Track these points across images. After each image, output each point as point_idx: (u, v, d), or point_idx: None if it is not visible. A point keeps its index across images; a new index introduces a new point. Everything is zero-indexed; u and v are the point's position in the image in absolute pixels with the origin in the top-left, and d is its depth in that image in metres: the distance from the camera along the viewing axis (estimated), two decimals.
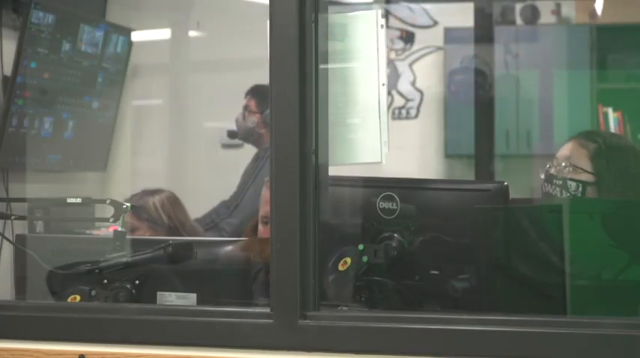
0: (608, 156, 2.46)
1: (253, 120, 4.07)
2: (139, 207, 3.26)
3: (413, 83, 5.50)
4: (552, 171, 2.45)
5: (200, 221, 3.87)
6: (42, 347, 1.93)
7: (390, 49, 5.42)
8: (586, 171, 2.42)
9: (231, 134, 4.39)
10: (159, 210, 3.33)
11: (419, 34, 5.50)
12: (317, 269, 1.87)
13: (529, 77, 5.26)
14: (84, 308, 2.07)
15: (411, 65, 5.50)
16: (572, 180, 2.40)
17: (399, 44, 5.49)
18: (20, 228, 3.18)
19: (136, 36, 4.47)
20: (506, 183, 2.25)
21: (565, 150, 2.51)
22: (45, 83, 3.90)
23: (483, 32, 5.12)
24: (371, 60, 2.04)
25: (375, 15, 2.05)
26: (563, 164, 2.44)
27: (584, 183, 2.39)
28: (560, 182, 2.40)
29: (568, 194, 2.38)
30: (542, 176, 2.48)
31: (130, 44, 4.43)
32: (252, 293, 2.41)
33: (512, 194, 2.30)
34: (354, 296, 2.15)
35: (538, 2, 5.30)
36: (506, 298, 2.13)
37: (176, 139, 4.94)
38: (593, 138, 2.56)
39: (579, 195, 2.38)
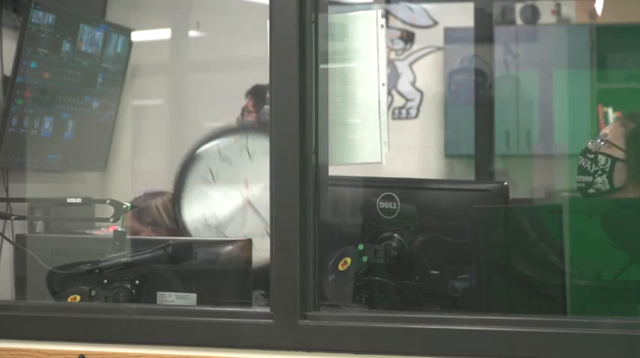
0: None
1: (249, 120, 4.06)
2: (140, 208, 3.26)
3: (413, 83, 5.50)
4: (590, 145, 2.48)
5: None
6: (42, 347, 1.93)
7: (390, 49, 5.41)
8: (618, 148, 2.44)
9: None
10: (161, 213, 3.33)
11: (419, 34, 5.50)
12: (317, 269, 1.87)
13: (529, 77, 5.26)
14: (84, 308, 2.07)
15: (411, 65, 5.50)
16: (603, 154, 2.43)
17: (399, 44, 5.49)
18: (20, 228, 3.18)
19: (136, 36, 4.47)
20: (506, 183, 2.25)
21: (607, 128, 2.57)
22: (45, 83, 3.90)
23: (483, 32, 5.13)
24: (371, 60, 2.04)
25: (375, 15, 2.05)
26: (599, 139, 2.47)
27: (614, 159, 2.42)
28: (592, 156, 2.43)
29: (596, 167, 2.41)
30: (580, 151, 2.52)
31: (130, 44, 4.43)
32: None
33: (512, 194, 2.30)
34: (354, 296, 2.15)
35: (538, 2, 5.29)
36: (506, 298, 2.13)
37: (176, 139, 4.94)
38: (635, 119, 2.60)
39: (607, 169, 2.41)
